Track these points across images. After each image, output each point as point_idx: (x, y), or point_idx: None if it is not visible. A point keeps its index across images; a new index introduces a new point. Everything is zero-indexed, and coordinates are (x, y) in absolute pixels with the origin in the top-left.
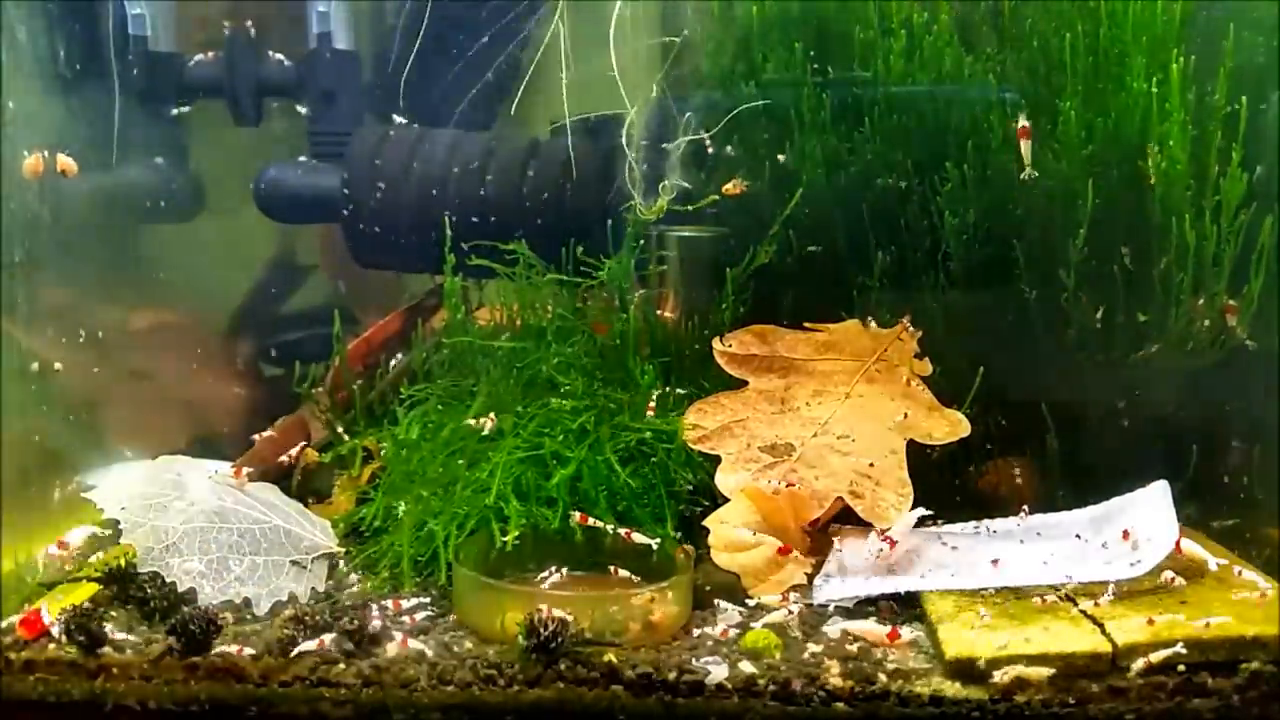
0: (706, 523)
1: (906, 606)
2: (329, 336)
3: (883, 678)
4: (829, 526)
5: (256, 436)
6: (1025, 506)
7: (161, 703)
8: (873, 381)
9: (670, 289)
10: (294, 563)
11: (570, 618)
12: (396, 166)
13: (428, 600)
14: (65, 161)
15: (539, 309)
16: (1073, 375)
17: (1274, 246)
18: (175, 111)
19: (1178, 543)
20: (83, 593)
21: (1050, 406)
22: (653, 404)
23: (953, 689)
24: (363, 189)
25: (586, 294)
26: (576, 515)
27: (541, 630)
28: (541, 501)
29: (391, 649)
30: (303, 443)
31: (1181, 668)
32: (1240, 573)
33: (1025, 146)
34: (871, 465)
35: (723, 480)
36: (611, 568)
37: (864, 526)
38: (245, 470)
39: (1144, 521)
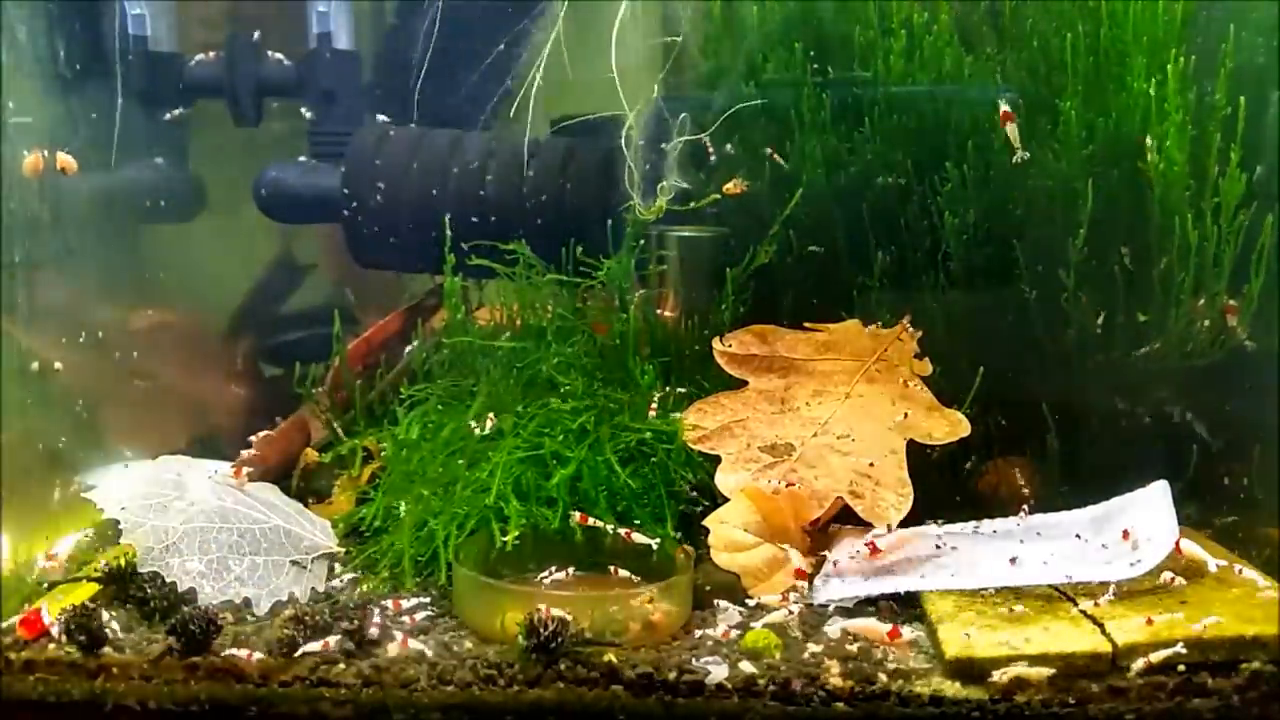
0: (706, 523)
1: (906, 606)
2: (329, 336)
3: (883, 678)
4: (829, 526)
5: (254, 438)
6: (1025, 506)
7: (161, 703)
8: (873, 381)
9: (670, 289)
10: (294, 563)
11: (570, 618)
12: (396, 166)
13: (428, 600)
14: (65, 159)
15: (539, 309)
16: (1072, 375)
17: (1274, 246)
18: (169, 115)
19: (1177, 543)
20: (83, 593)
21: (1050, 406)
22: (654, 404)
23: (953, 689)
24: (362, 189)
25: (586, 294)
26: (576, 515)
27: (541, 630)
28: (541, 501)
29: (391, 649)
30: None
31: (1181, 668)
32: (1240, 571)
33: (1012, 130)
34: (871, 465)
35: (723, 480)
36: (611, 568)
37: (864, 526)
38: (245, 470)
39: (1144, 521)
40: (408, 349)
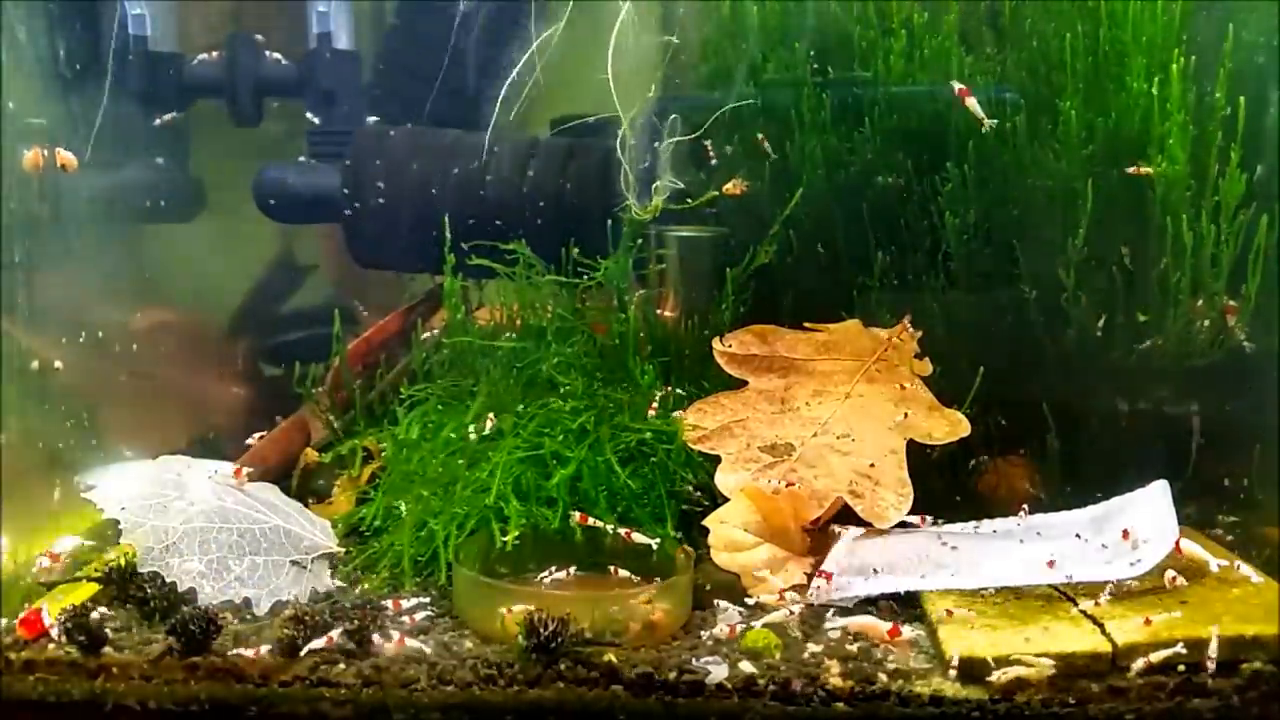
0: (706, 522)
1: (906, 606)
2: (329, 336)
3: (883, 677)
4: (829, 526)
5: (251, 440)
6: (1025, 506)
7: (161, 703)
8: (873, 381)
9: (670, 289)
10: (294, 563)
11: (570, 617)
12: (396, 166)
13: (427, 600)
14: (65, 156)
15: (539, 309)
16: (1072, 375)
17: (1273, 246)
18: (163, 119)
19: (1177, 543)
20: (83, 593)
21: (1050, 406)
22: (655, 404)
23: (953, 689)
24: (362, 189)
25: (585, 294)
26: (576, 515)
27: (541, 630)
28: (541, 501)
29: (391, 649)
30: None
31: (1181, 668)
32: (1238, 566)
33: (972, 103)
34: (872, 465)
35: (723, 480)
36: (611, 568)
37: (864, 526)
38: (245, 470)
39: (1144, 521)
40: (425, 336)
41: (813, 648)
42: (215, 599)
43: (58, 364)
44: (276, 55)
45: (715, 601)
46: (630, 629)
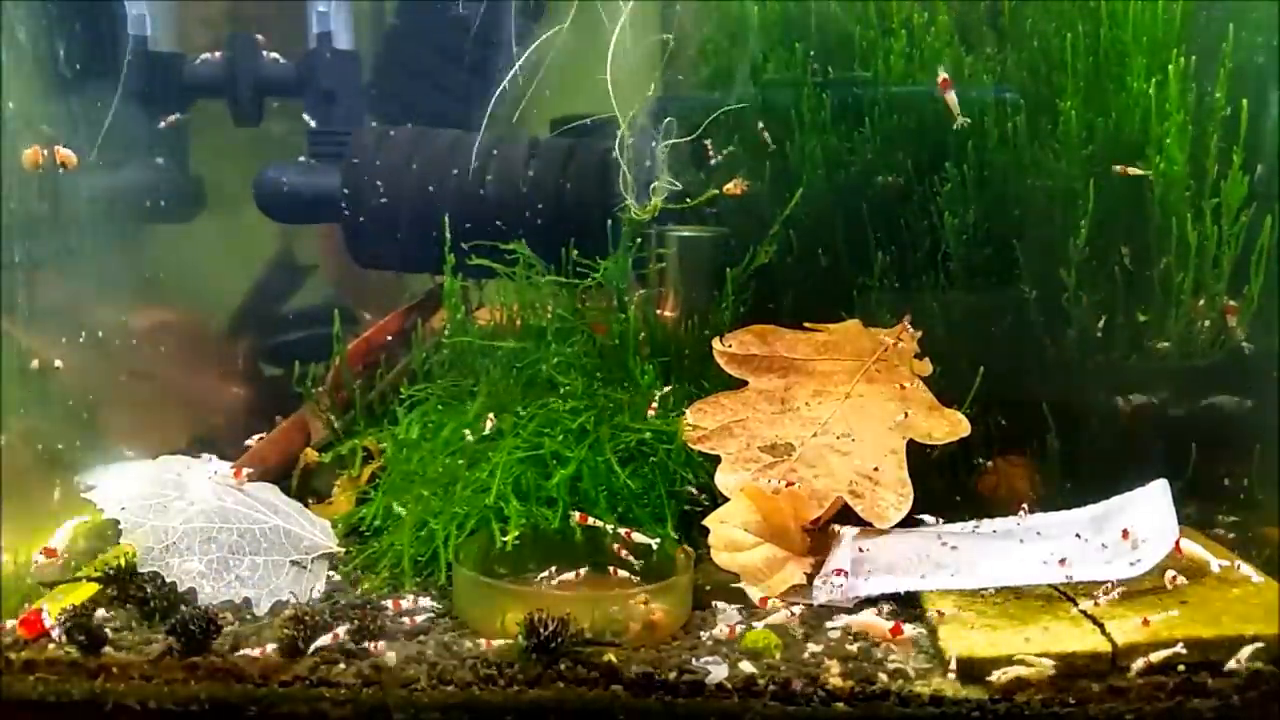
0: (706, 522)
1: (906, 606)
2: (329, 336)
3: (883, 677)
4: (829, 526)
5: (250, 441)
6: (1025, 506)
7: (161, 703)
8: (873, 381)
9: (670, 289)
10: (294, 563)
11: (570, 617)
12: (396, 166)
13: (427, 600)
14: (64, 153)
15: (539, 309)
16: (1072, 375)
17: (1274, 247)
18: (164, 121)
19: (1177, 543)
20: (83, 593)
21: (1050, 406)
22: (654, 404)
23: (953, 689)
24: (362, 188)
25: (585, 294)
26: (576, 515)
27: (541, 630)
28: (541, 501)
29: (391, 649)
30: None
31: (1181, 667)
32: (1238, 566)
33: (950, 98)
34: (876, 469)
35: (723, 480)
36: (611, 568)
37: (864, 526)
38: (245, 470)
39: (1143, 521)
40: (442, 325)
41: (813, 648)
42: (215, 599)
43: (58, 363)
44: (274, 55)
45: (715, 602)
46: (630, 629)
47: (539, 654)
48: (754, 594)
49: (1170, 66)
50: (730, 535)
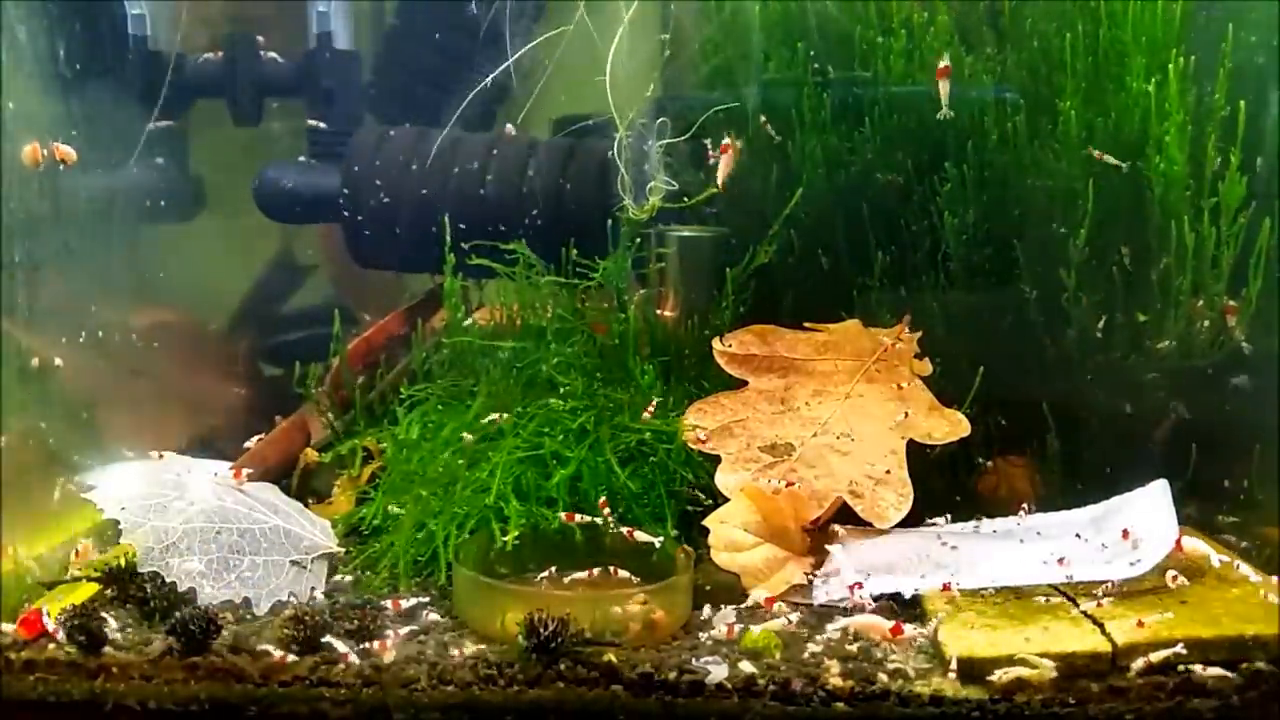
0: (706, 523)
1: (906, 606)
2: (329, 336)
3: (883, 678)
4: (829, 526)
5: (249, 443)
6: (1025, 506)
7: (161, 703)
8: (873, 381)
9: (670, 289)
10: (294, 563)
11: (570, 617)
12: (396, 166)
13: (427, 600)
14: (63, 150)
15: (539, 309)
16: (1072, 375)
17: (1273, 247)
18: (162, 122)
19: (1179, 541)
20: (83, 593)
21: (1050, 406)
22: (651, 407)
23: (953, 689)
24: (362, 189)
25: (585, 294)
26: (563, 515)
27: (541, 630)
28: (541, 501)
29: (391, 649)
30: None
31: (1182, 667)
32: (1237, 566)
33: (944, 87)
34: (887, 472)
35: (723, 480)
36: (611, 568)
37: (864, 526)
38: (245, 470)
39: (1143, 521)
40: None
41: (813, 648)
42: (215, 599)
43: (58, 361)
44: (273, 54)
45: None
46: (630, 629)
47: (539, 654)
48: (758, 596)
49: (1170, 66)
50: (730, 535)
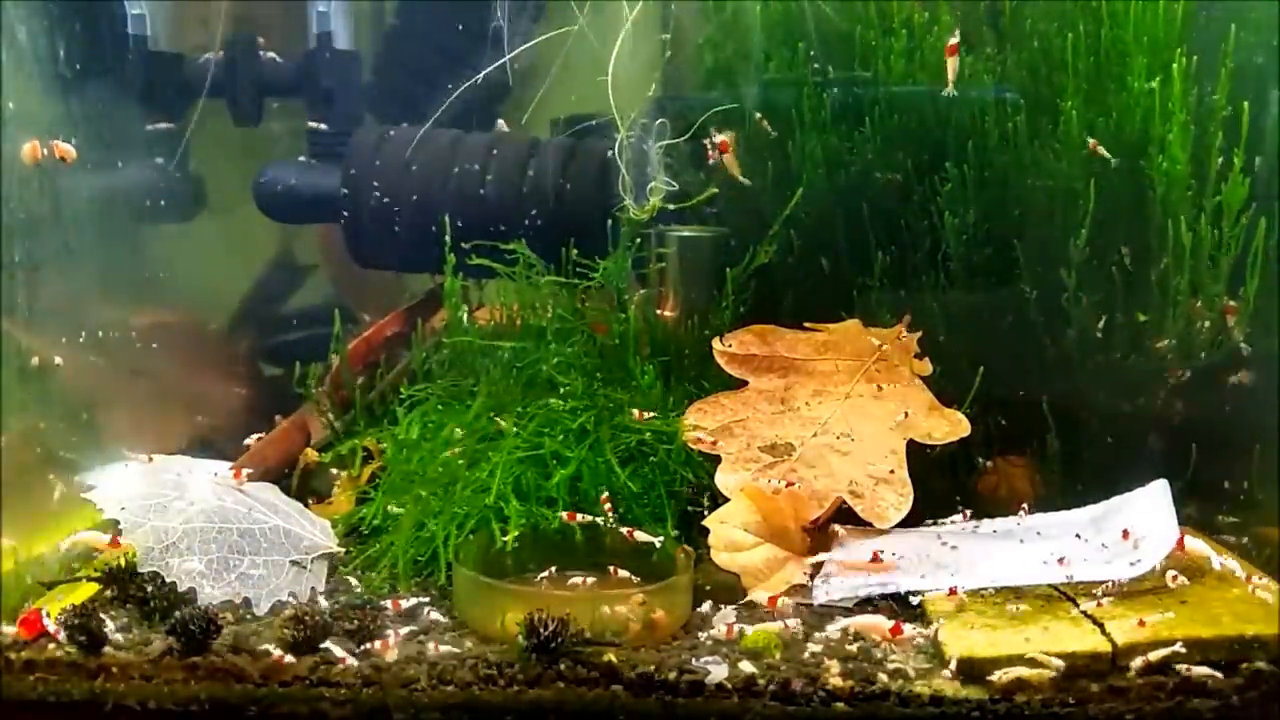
0: (706, 523)
1: (906, 606)
2: (329, 336)
3: (883, 677)
4: (829, 526)
5: (249, 441)
6: (1025, 506)
7: (161, 703)
8: (872, 381)
9: (670, 289)
10: (294, 563)
11: (570, 617)
12: (396, 166)
13: (427, 600)
14: (63, 148)
15: (539, 309)
16: (1073, 375)
17: (1273, 247)
18: (159, 124)
19: (1181, 540)
20: (83, 593)
21: (1050, 406)
22: (642, 412)
23: (953, 689)
24: (362, 188)
25: (585, 294)
26: (564, 514)
27: (541, 630)
28: (541, 501)
29: (391, 649)
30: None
31: (1181, 667)
32: (1223, 562)
33: (952, 64)
34: (891, 471)
35: (723, 480)
36: (611, 568)
37: (864, 526)
38: (245, 470)
39: (1144, 521)
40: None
41: (813, 648)
42: (215, 599)
43: (58, 360)
44: (273, 54)
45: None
46: (630, 629)
47: (539, 654)
48: (762, 597)
49: (1174, 66)
50: (730, 535)
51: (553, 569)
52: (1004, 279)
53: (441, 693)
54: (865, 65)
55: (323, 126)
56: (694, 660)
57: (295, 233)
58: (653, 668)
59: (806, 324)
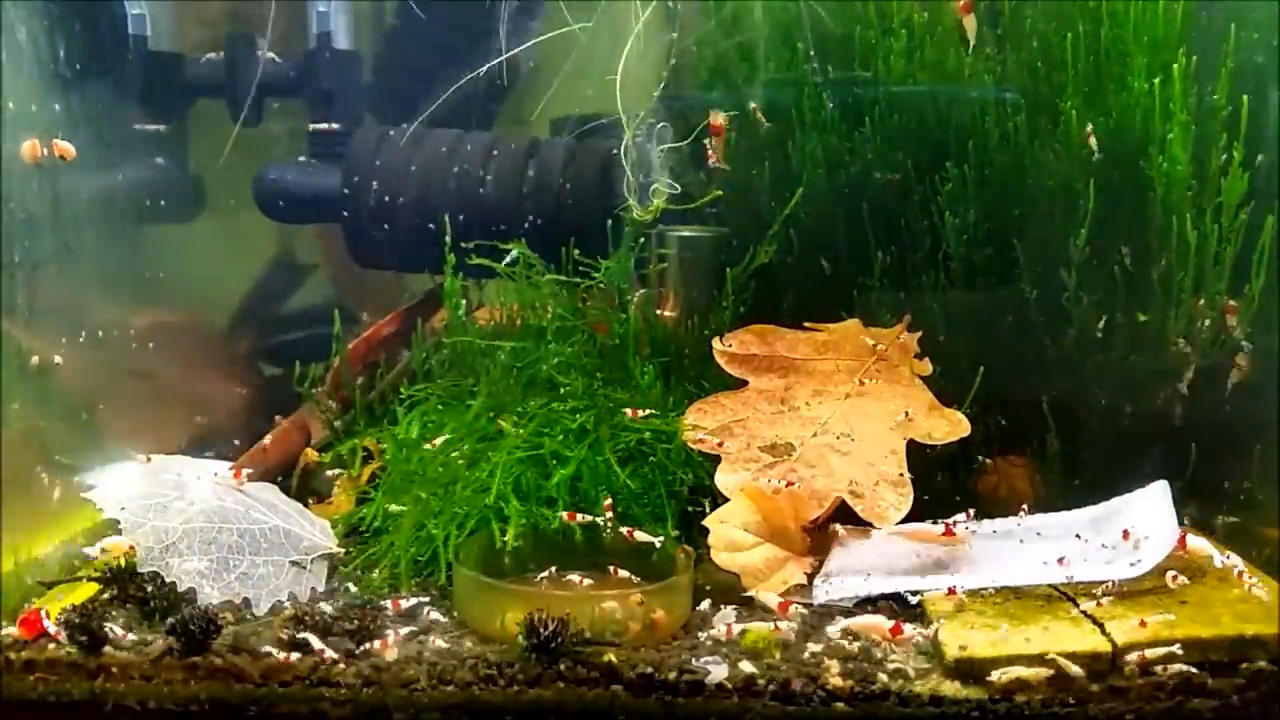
0: (706, 522)
1: (906, 606)
2: (329, 336)
3: (883, 677)
4: (829, 526)
5: (266, 441)
6: (1025, 506)
7: (161, 703)
8: (872, 381)
9: (670, 289)
10: (294, 563)
11: (570, 617)
12: (396, 166)
13: (427, 600)
14: (62, 146)
15: (539, 309)
16: (1073, 375)
17: (1274, 246)
18: (155, 126)
19: (1183, 539)
20: (83, 593)
21: (1050, 406)
22: (637, 410)
23: (952, 689)
24: (362, 189)
25: (585, 294)
26: (564, 514)
27: (541, 630)
28: (541, 501)
29: (391, 649)
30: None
31: (1181, 667)
32: (1238, 571)
33: (970, 22)
34: (875, 467)
35: (723, 480)
36: (611, 567)
37: (864, 526)
38: (245, 470)
39: (1144, 521)
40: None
41: (813, 647)
42: (215, 599)
43: (58, 358)
44: (272, 54)
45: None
46: (630, 629)
47: (539, 654)
48: (763, 598)
49: (1175, 66)
50: (730, 535)
51: (553, 569)
52: (1004, 279)
53: (441, 693)
54: (865, 65)
55: (327, 127)
56: (694, 660)
57: (295, 233)
58: (652, 668)
59: (806, 324)
